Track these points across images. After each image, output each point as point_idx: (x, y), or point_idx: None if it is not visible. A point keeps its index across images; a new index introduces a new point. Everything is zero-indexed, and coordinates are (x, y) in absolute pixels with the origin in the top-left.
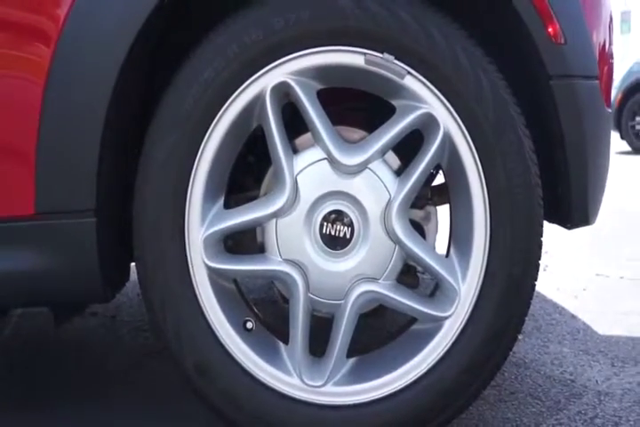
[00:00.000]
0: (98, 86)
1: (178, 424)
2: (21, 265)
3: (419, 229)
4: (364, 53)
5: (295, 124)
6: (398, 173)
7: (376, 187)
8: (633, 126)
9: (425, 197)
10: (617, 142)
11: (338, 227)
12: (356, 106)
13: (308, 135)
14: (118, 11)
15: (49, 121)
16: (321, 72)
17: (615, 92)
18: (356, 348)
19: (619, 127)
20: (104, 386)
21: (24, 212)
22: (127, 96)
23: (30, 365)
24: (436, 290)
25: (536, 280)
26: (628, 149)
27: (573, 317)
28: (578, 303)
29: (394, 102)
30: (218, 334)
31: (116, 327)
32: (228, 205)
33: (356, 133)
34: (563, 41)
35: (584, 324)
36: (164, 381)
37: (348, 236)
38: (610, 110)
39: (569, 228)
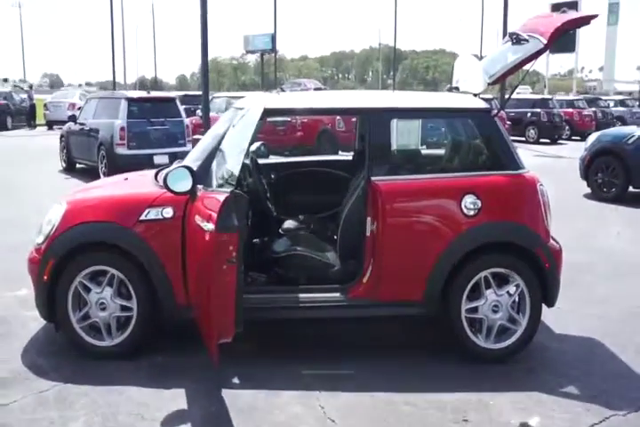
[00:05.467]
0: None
1: None
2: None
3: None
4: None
5: None
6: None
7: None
8: (596, 180)
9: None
10: (585, 189)
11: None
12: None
13: None
14: None
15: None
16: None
17: (585, 154)
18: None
19: (587, 179)
20: None
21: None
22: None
23: None
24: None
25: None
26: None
27: None
28: None
29: (510, 278)
30: None
31: None
32: None
33: None
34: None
35: None
36: None
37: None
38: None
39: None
